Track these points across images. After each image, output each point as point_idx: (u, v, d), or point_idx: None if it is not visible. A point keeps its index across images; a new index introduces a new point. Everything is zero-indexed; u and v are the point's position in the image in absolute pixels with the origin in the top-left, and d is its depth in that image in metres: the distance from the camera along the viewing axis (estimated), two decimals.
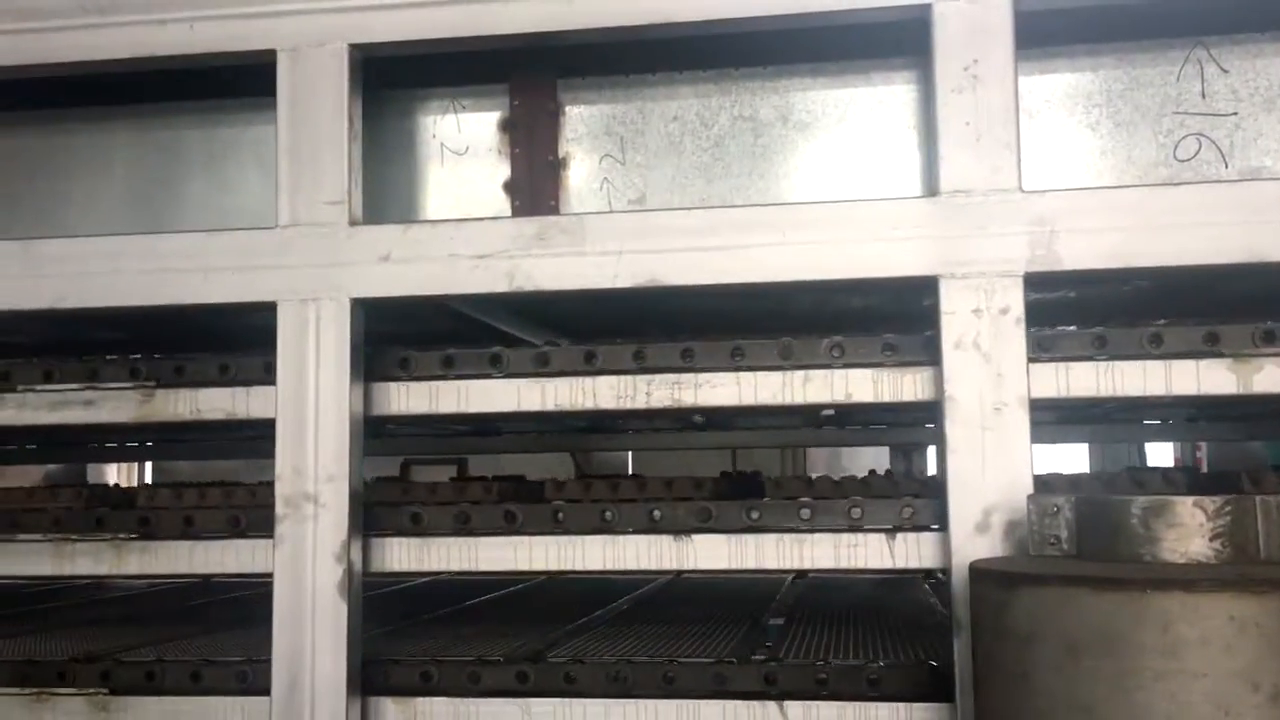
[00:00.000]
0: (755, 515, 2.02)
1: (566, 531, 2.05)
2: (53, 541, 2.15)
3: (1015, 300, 1.89)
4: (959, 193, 1.94)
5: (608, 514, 2.07)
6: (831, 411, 3.70)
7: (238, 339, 2.27)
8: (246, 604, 3.45)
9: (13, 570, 2.16)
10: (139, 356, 2.17)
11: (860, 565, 2.00)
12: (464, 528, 2.08)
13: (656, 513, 2.05)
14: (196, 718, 2.10)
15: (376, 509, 2.12)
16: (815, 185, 2.16)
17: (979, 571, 1.59)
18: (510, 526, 2.06)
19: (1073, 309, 1.98)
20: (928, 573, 3.81)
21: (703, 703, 1.99)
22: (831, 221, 1.97)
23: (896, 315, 2.49)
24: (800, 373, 2.02)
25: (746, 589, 3.52)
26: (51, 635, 2.71)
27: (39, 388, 2.15)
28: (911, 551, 1.99)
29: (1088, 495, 1.65)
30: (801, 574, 3.94)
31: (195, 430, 3.72)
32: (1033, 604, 1.45)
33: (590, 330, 2.25)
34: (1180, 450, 6.18)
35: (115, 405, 2.16)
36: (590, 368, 2.04)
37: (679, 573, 4.01)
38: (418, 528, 2.09)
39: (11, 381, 2.15)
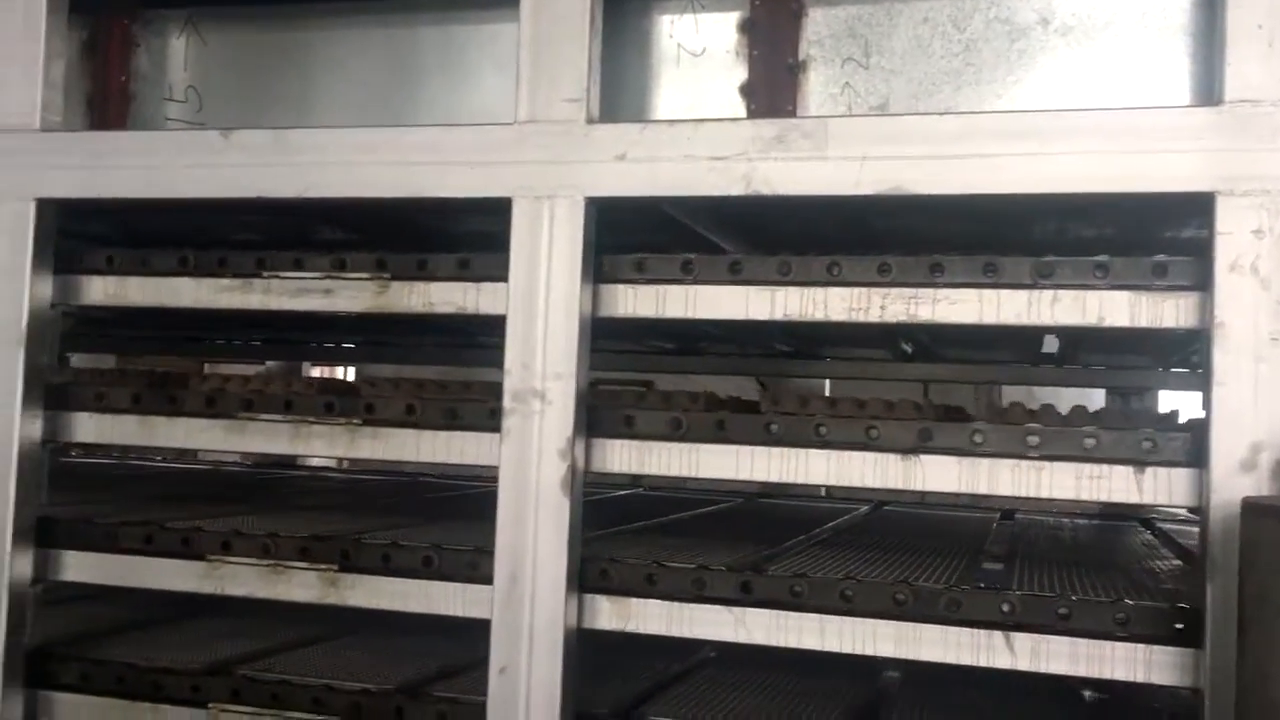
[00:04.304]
0: (1035, 441, 1.91)
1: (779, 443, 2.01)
2: (291, 423, 2.24)
3: None
4: (1245, 102, 1.78)
5: (822, 429, 2.01)
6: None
7: (458, 243, 2.30)
8: (458, 500, 3.59)
9: (258, 447, 2.27)
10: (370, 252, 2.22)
11: (1103, 498, 1.90)
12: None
13: (874, 431, 1.98)
14: (420, 600, 2.17)
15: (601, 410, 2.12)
16: (1075, 94, 2.02)
17: (1258, 508, 1.48)
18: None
19: None
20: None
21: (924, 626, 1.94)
22: (1097, 131, 1.84)
23: (1134, 247, 2.34)
24: (1049, 292, 1.91)
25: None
26: (284, 516, 2.85)
27: (284, 274, 2.23)
28: (1161, 487, 1.86)
29: None
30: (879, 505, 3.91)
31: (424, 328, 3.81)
32: None
33: (798, 249, 2.20)
34: None
35: (352, 295, 2.22)
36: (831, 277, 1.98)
37: (880, 504, 3.97)
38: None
39: (259, 268, 2.24)
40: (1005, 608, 1.90)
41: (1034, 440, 1.91)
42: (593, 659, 2.13)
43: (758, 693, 2.35)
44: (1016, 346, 3.66)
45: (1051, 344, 3.56)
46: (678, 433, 2.05)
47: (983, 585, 2.04)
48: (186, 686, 2.26)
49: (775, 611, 2.02)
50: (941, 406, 2.04)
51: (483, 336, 4.07)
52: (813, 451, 2.01)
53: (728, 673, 2.48)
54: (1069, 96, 2.02)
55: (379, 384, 2.27)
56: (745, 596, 2.01)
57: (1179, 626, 1.82)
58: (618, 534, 2.74)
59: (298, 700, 2.20)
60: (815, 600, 1.99)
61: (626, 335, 3.89)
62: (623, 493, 4.04)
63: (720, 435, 2.04)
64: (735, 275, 2.03)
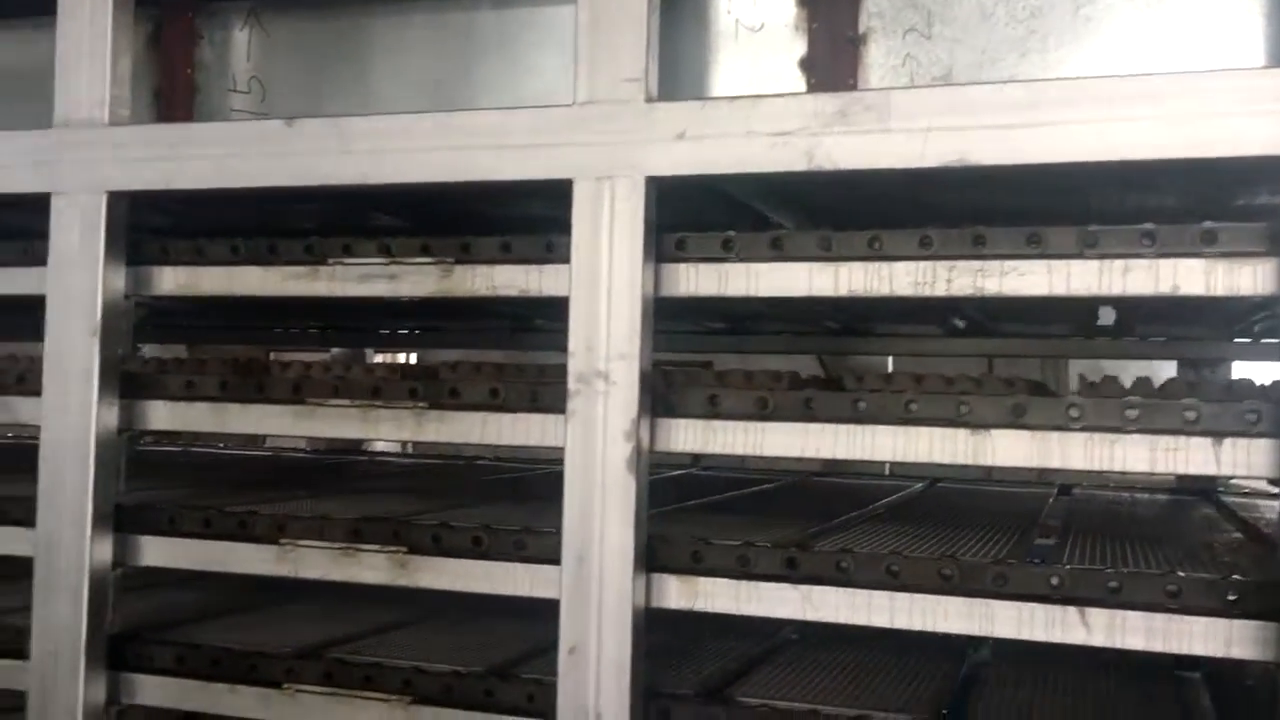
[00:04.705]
0: (1133, 415, 1.85)
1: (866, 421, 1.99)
2: (360, 407, 2.26)
3: None
4: None
5: (912, 405, 1.98)
6: None
7: (514, 228, 2.30)
8: (518, 482, 3.62)
9: (327, 432, 2.30)
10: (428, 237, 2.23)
11: (1180, 470, 1.86)
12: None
13: (964, 407, 1.95)
14: (488, 580, 2.19)
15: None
16: (1143, 59, 1.98)
17: None
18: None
19: None
20: None
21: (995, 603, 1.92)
22: (1168, 96, 1.80)
23: (1203, 216, 2.28)
24: (1119, 262, 1.88)
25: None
26: (361, 500, 2.89)
27: (348, 261, 2.25)
28: (1240, 458, 1.82)
29: None
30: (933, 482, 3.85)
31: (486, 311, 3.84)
32: None
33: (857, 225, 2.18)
34: None
35: (416, 280, 2.23)
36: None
37: (934, 480, 3.94)
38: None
39: (328, 254, 2.27)
40: (1054, 581, 1.88)
41: (1132, 414, 1.85)
42: (674, 641, 2.13)
43: (842, 673, 2.33)
44: (1072, 319, 3.59)
45: (1107, 316, 3.49)
46: (763, 412, 2.03)
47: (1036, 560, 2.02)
48: (280, 670, 2.28)
49: (843, 589, 2.01)
50: (1029, 382, 2.00)
51: (539, 319, 4.09)
52: (879, 428, 1.98)
53: (811, 653, 2.47)
54: (1137, 62, 1.98)
55: (459, 368, 2.29)
56: (793, 573, 2.01)
57: (1257, 600, 1.79)
58: (681, 512, 2.74)
59: (389, 682, 2.22)
60: (862, 575, 1.97)
61: (680, 316, 3.88)
62: (678, 472, 4.04)
63: (807, 414, 2.01)
64: (798, 251, 2.01)
